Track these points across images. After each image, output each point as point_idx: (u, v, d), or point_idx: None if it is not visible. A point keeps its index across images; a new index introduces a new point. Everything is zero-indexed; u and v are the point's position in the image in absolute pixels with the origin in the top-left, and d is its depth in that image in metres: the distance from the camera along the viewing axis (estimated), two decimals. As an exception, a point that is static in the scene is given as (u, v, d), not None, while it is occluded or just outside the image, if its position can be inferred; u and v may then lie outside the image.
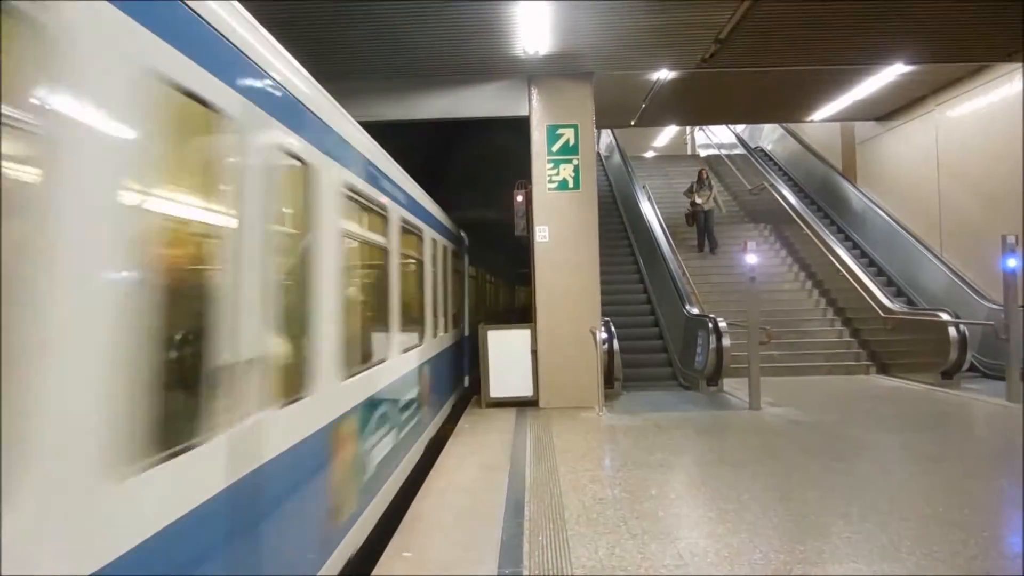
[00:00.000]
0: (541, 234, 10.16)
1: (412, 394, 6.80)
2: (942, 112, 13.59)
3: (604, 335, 10.09)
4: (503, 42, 9.07)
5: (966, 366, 11.18)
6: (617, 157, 20.74)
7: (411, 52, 9.36)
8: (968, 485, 5.92)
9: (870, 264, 15.33)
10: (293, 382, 3.46)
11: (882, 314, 12.80)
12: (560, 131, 10.27)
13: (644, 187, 17.99)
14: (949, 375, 11.07)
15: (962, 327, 11.02)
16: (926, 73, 12.39)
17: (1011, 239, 9.66)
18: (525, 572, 4.17)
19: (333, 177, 4.15)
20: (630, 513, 5.21)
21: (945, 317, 11.27)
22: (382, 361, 5.53)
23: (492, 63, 9.83)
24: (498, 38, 8.94)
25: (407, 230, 6.78)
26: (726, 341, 10.75)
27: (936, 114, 13.74)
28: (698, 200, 16.53)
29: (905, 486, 5.98)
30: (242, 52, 2.91)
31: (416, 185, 7.53)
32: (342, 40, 8.82)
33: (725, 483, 6.01)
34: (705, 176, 17.02)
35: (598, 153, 19.36)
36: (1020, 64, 11.08)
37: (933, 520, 4.95)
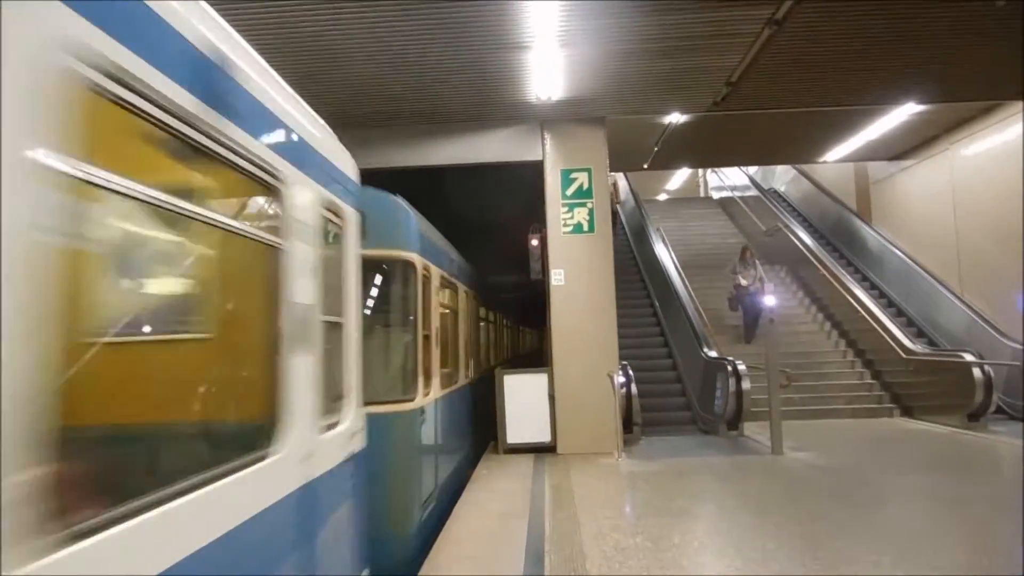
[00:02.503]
0: (557, 277, 10.13)
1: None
2: (956, 151, 13.55)
3: (622, 379, 9.97)
4: (516, 88, 9.16)
5: (992, 408, 10.93)
6: (630, 201, 20.83)
7: (424, 100, 9.47)
8: (1002, 531, 5.74)
9: (889, 304, 15.17)
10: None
11: (903, 355, 12.60)
12: (574, 175, 10.31)
13: (658, 230, 17.98)
14: (975, 417, 10.83)
15: (987, 368, 10.81)
16: (939, 112, 12.40)
17: (1032, 278, 9.54)
18: (547, 626, 4.04)
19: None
20: (654, 562, 5.07)
21: (969, 358, 11.07)
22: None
23: (505, 109, 9.92)
24: (511, 85, 9.03)
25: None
26: (746, 384, 10.60)
27: (950, 153, 13.71)
28: (743, 281, 14.54)
29: (936, 533, 5.80)
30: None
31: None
32: (361, 90, 8.94)
33: (749, 531, 5.85)
34: (749, 255, 15.04)
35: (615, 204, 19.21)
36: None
37: (967, 568, 4.78)
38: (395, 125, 10.27)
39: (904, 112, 12.01)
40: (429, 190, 11.56)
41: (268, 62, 3.10)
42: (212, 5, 2.55)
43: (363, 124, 9.88)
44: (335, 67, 8.24)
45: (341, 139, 4.24)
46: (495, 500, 7.31)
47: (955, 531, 5.86)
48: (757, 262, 15.03)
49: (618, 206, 19.04)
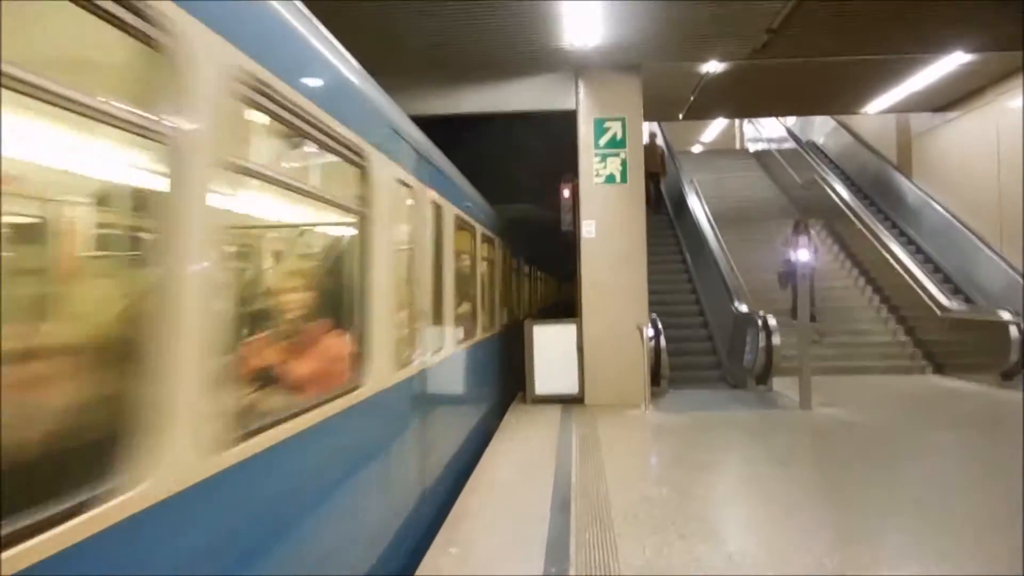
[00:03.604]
0: (588, 229, 10.07)
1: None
2: (1002, 103, 13.12)
3: (651, 332, 9.96)
4: (551, 34, 8.98)
5: (1028, 367, 10.79)
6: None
7: (458, 46, 9.34)
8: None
9: (926, 261, 14.88)
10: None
11: (939, 312, 12.42)
12: (607, 124, 10.16)
13: (692, 182, 17.73)
14: (1009, 376, 10.68)
15: (1023, 326, 10.64)
16: (985, 63, 11.95)
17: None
18: (572, 571, 4.12)
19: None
20: (678, 513, 5.12)
21: (1006, 316, 10.88)
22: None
23: (539, 56, 9.75)
24: (546, 30, 8.86)
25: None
26: (776, 339, 10.52)
27: (997, 105, 13.27)
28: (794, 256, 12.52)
29: (964, 490, 5.78)
30: None
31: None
32: (390, 36, 8.84)
33: (775, 484, 5.88)
34: (803, 228, 12.37)
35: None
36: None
37: (994, 525, 4.77)
38: (427, 72, 10.15)
39: (951, 62, 11.61)
40: (460, 139, 11.55)
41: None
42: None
43: (394, 72, 9.71)
44: (367, 12, 8.15)
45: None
46: (522, 449, 7.40)
47: (985, 489, 5.83)
48: (813, 234, 13.92)
49: (663, 179, 18.28)
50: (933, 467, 6.54)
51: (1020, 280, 12.51)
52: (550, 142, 10.99)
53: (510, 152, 13.09)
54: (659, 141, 17.47)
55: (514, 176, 13.69)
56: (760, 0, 8.13)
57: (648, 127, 17.30)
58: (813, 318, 12.28)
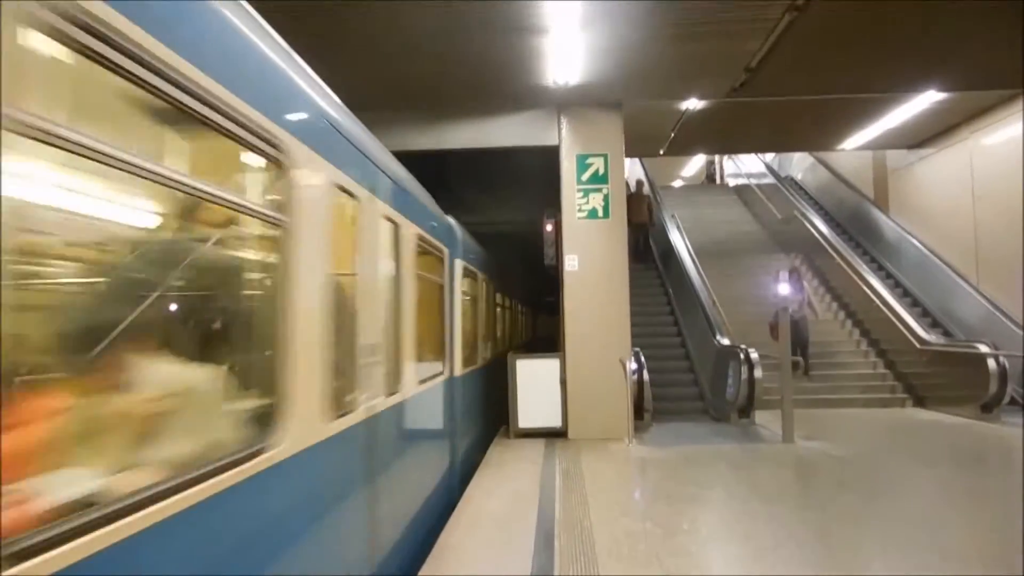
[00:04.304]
0: (571, 263, 10.13)
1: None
2: (977, 140, 13.40)
3: (634, 365, 9.98)
4: (533, 72, 9.12)
5: (1006, 399, 10.88)
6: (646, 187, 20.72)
7: (442, 83, 9.46)
8: (1015, 523, 5.72)
9: (904, 294, 15.08)
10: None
11: (918, 345, 12.54)
12: (590, 160, 10.28)
13: (673, 216, 17.90)
14: (988, 408, 10.78)
15: (1002, 359, 10.74)
16: (960, 100, 12.25)
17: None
18: (556, 608, 4.08)
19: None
20: (662, 548, 5.10)
21: (984, 349, 11.01)
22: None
23: (522, 93, 9.89)
24: (528, 69, 8.99)
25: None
26: (758, 372, 10.58)
27: (971, 142, 13.56)
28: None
29: (947, 524, 5.80)
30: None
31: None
32: (378, 73, 8.93)
33: (759, 519, 5.87)
34: (796, 277, 13.10)
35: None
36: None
37: (978, 560, 4.79)
38: (411, 108, 10.25)
39: (925, 100, 11.88)
40: (444, 173, 11.61)
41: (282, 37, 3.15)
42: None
43: (379, 107, 9.84)
44: (351, 48, 8.23)
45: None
46: (506, 483, 7.35)
47: (969, 522, 5.86)
48: (805, 284, 13.80)
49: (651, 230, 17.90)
50: (917, 501, 6.56)
51: (997, 313, 12.69)
52: (536, 173, 11.09)
53: (496, 181, 13.17)
54: (646, 190, 17.46)
55: (501, 206, 13.78)
56: (738, 40, 8.31)
57: (631, 169, 17.37)
58: (809, 366, 12.62)
